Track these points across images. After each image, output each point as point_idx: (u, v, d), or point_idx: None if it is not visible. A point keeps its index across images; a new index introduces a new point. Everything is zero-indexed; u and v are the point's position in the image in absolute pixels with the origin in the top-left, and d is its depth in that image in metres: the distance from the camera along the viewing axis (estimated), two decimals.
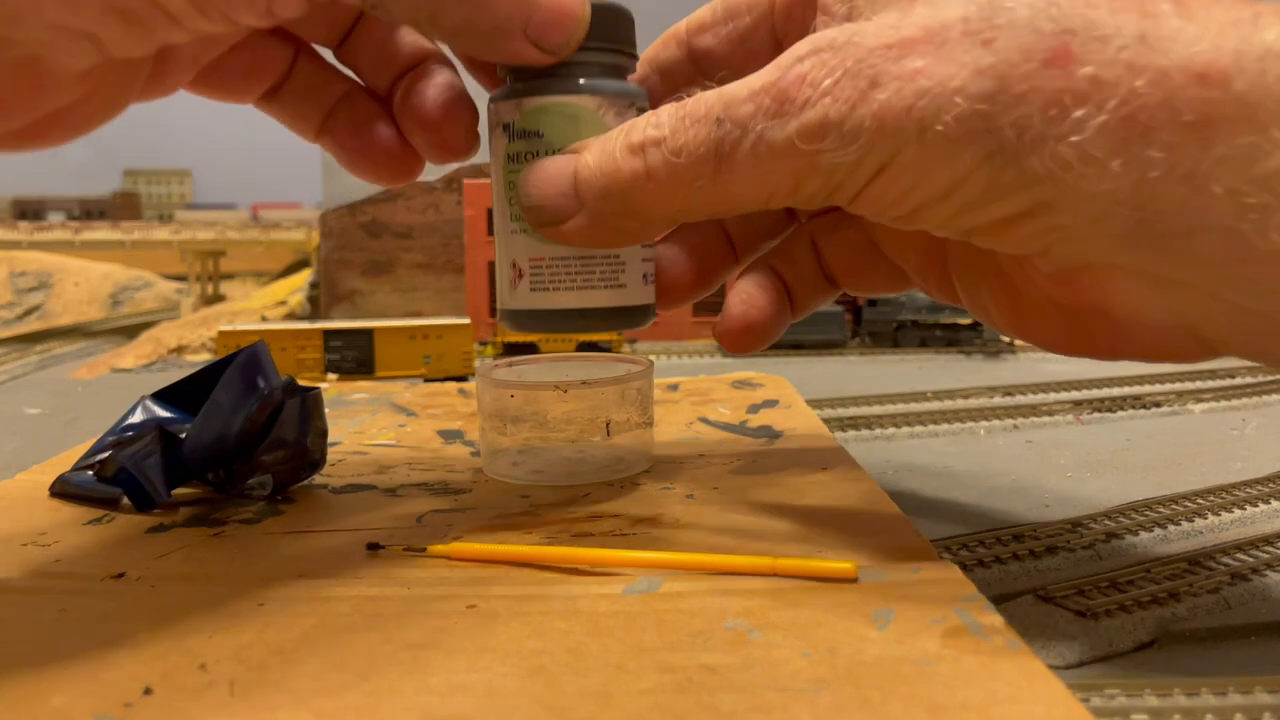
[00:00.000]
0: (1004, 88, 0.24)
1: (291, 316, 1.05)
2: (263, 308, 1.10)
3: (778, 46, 0.34)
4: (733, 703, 0.21)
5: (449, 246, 1.02)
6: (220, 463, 0.36)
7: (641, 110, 0.33)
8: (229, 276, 1.38)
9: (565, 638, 0.24)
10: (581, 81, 0.33)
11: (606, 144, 0.30)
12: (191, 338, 0.89)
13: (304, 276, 1.19)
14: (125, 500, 0.36)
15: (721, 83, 0.28)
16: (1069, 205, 0.24)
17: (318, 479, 0.40)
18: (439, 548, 0.30)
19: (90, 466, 0.37)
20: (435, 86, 0.34)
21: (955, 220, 0.26)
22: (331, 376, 0.71)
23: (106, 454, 0.36)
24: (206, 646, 0.24)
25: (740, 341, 0.37)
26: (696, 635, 0.24)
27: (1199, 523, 0.38)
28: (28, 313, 1.29)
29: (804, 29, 0.33)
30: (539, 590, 0.27)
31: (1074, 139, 0.23)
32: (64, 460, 0.41)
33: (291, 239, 1.59)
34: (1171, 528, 0.38)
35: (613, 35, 0.33)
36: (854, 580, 0.27)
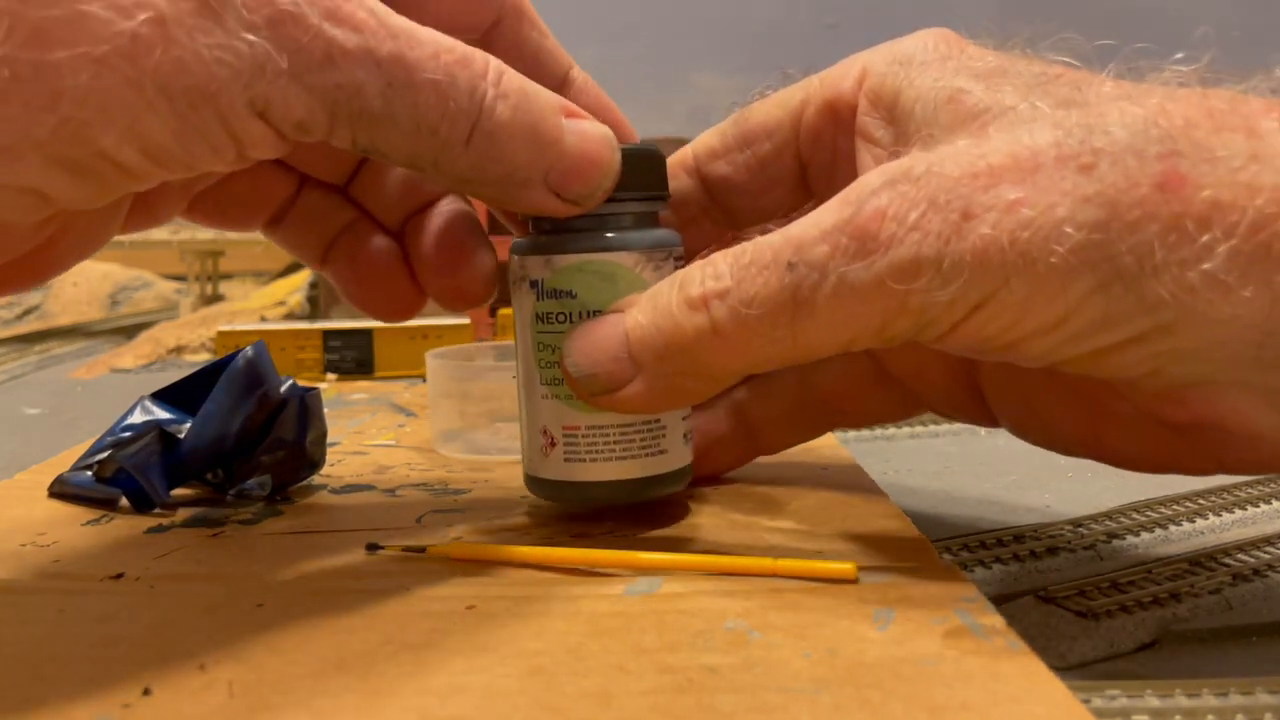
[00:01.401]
0: (1115, 215, 0.23)
1: (291, 316, 1.05)
2: (262, 308, 1.09)
3: (802, 172, 0.33)
4: (733, 703, 0.21)
5: None
6: (219, 463, 0.36)
7: (679, 259, 0.31)
8: (228, 276, 1.38)
9: (565, 638, 0.24)
10: (617, 235, 0.30)
11: (659, 300, 0.27)
12: (191, 338, 0.89)
13: (303, 276, 1.19)
14: (124, 500, 0.36)
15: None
16: (1190, 329, 0.23)
17: (317, 479, 0.40)
18: (438, 548, 0.30)
19: (89, 466, 0.37)
20: (448, 229, 0.32)
21: (1058, 350, 0.25)
22: (331, 376, 0.71)
23: (105, 454, 0.36)
24: (205, 647, 0.24)
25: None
26: (697, 636, 0.24)
27: (1200, 523, 0.38)
28: (27, 313, 1.29)
29: (834, 155, 0.32)
30: (539, 591, 0.27)
31: (1205, 266, 0.22)
32: (63, 460, 0.41)
33: None
34: (1173, 528, 0.38)
35: (647, 181, 0.31)
36: (854, 581, 0.27)
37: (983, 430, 0.55)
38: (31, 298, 1.32)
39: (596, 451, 0.31)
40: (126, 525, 0.34)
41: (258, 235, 0.32)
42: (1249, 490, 0.42)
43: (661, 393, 0.28)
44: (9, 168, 0.21)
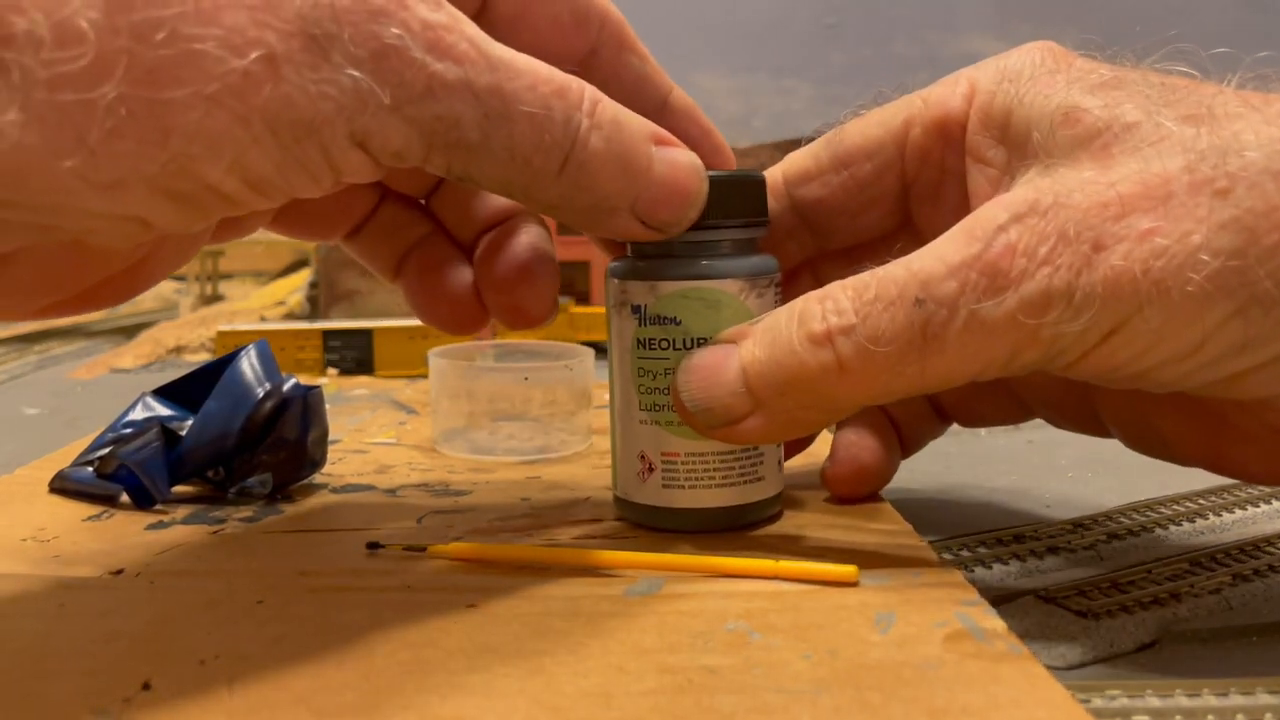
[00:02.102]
0: (1253, 240, 0.23)
1: (290, 316, 1.05)
2: (262, 307, 1.09)
3: (904, 192, 0.33)
4: (733, 704, 0.21)
5: None
6: (220, 461, 0.36)
7: (778, 285, 0.31)
8: (228, 276, 1.38)
9: (566, 638, 0.24)
10: (722, 262, 0.30)
11: (777, 335, 0.27)
12: (190, 338, 0.89)
13: (303, 276, 1.19)
14: (125, 497, 0.36)
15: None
16: None
17: (318, 478, 0.40)
18: (439, 548, 0.30)
19: (90, 463, 0.37)
20: (515, 245, 0.32)
21: (1191, 376, 0.25)
22: (331, 372, 0.71)
23: (106, 450, 0.36)
24: (205, 643, 0.24)
25: (851, 485, 0.35)
26: (697, 637, 0.24)
27: (1200, 523, 0.38)
28: None
29: (942, 174, 0.32)
30: (539, 591, 0.27)
31: None
32: (63, 456, 0.41)
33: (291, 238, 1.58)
34: (1173, 528, 0.38)
35: (750, 207, 0.31)
36: (855, 583, 0.27)
37: (983, 430, 0.55)
38: None
39: (696, 478, 0.31)
40: (127, 521, 0.34)
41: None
42: (1249, 490, 0.42)
43: (782, 425, 0.28)
44: (117, 199, 0.21)
